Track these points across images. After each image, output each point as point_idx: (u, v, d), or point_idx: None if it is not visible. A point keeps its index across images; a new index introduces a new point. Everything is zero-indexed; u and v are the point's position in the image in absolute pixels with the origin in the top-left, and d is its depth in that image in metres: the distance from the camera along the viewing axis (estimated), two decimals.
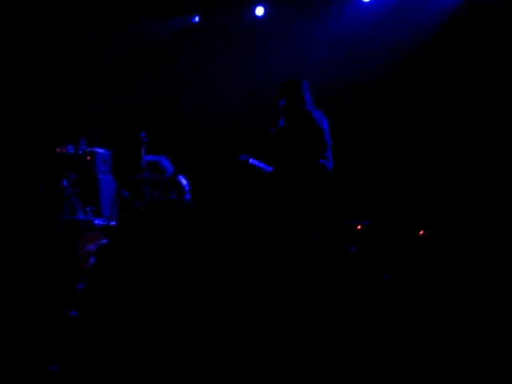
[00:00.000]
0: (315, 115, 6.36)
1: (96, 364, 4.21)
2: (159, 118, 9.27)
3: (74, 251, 7.17)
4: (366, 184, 8.51)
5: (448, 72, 8.32)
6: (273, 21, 9.22)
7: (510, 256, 6.47)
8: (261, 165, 6.91)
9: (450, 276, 6.18)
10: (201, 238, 6.28)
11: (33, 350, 4.43)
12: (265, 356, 4.15)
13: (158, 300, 5.41)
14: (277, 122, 6.83)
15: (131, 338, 4.66)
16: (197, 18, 9.81)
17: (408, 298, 5.54)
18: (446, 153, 8.31)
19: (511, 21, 7.86)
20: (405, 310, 5.13)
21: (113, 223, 7.40)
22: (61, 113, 8.98)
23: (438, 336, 4.36)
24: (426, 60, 8.45)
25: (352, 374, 3.83)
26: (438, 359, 3.95)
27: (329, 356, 4.10)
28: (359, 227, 7.73)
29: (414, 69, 8.49)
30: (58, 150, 8.17)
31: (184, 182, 7.35)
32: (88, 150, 8.22)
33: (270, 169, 6.89)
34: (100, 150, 8.32)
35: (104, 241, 6.92)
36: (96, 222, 7.62)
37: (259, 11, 9.26)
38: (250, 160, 6.80)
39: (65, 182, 7.53)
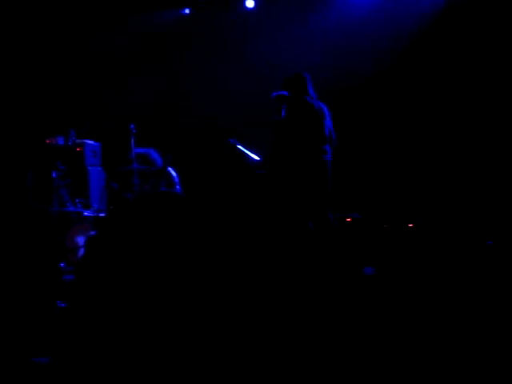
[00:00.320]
0: (316, 108, 6.38)
1: (85, 356, 4.20)
2: (149, 110, 9.25)
3: (63, 243, 7.16)
4: (357, 177, 8.54)
5: (440, 68, 8.35)
6: (263, 12, 9.23)
7: (499, 251, 6.51)
8: (248, 152, 6.95)
9: (438, 269, 6.20)
10: (192, 229, 6.27)
11: (21, 342, 4.42)
12: (259, 351, 4.15)
13: (148, 292, 5.40)
14: (279, 113, 6.86)
15: (120, 329, 4.65)
16: (187, 11, 9.79)
17: (396, 292, 5.56)
18: (435, 147, 8.35)
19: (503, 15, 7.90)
20: (392, 304, 5.14)
21: (102, 215, 7.38)
22: (50, 104, 8.95)
23: (428, 331, 4.37)
24: (419, 54, 8.48)
25: (343, 368, 3.84)
26: (427, 355, 3.96)
27: (323, 350, 4.11)
28: (349, 220, 7.75)
29: (405, 64, 8.52)
30: (47, 141, 8.14)
31: (173, 173, 7.35)
32: (78, 141, 8.19)
33: (257, 158, 6.91)
34: (89, 142, 8.29)
35: (93, 232, 6.91)
36: (85, 213, 7.60)
37: (249, 3, 9.30)
38: (238, 145, 6.83)
39: (54, 174, 7.50)
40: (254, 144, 7.08)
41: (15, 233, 6.83)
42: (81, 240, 7.12)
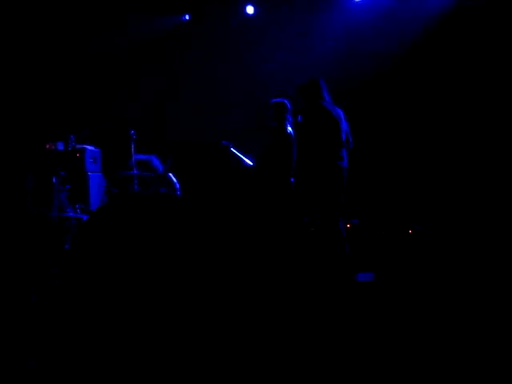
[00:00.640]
0: (333, 113, 6.38)
1: (70, 352, 4.19)
2: (148, 116, 9.27)
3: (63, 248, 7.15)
4: (356, 183, 8.54)
5: (441, 74, 8.37)
6: (263, 19, 9.27)
7: (499, 253, 6.52)
8: (241, 156, 6.96)
9: (438, 276, 6.21)
10: (188, 229, 6.22)
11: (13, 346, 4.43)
12: (252, 353, 4.15)
13: (137, 288, 5.37)
14: (275, 119, 6.88)
15: (108, 327, 4.65)
16: (187, 17, 9.81)
17: (394, 298, 5.56)
18: (435, 153, 8.36)
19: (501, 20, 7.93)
20: (391, 310, 5.15)
21: None
22: (51, 109, 8.95)
23: (427, 337, 4.38)
24: (418, 58, 8.50)
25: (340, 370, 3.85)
26: (426, 361, 3.97)
27: (319, 354, 4.11)
28: (348, 226, 7.76)
29: (402, 69, 8.54)
30: (47, 146, 8.14)
31: (174, 179, 7.37)
32: (77, 146, 8.19)
33: (250, 162, 6.92)
34: (89, 147, 8.29)
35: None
36: (85, 219, 7.60)
37: (250, 10, 9.34)
38: (231, 147, 6.84)
39: (54, 179, 7.52)
40: (253, 149, 7.08)
41: (15, 237, 6.84)
42: None
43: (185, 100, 9.36)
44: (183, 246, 5.77)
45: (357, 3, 8.79)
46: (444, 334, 4.34)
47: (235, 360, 4.02)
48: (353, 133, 6.52)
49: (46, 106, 8.97)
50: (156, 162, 7.39)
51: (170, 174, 7.35)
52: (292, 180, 6.64)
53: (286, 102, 7.04)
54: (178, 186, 7.37)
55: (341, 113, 6.44)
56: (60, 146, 8.17)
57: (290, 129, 6.95)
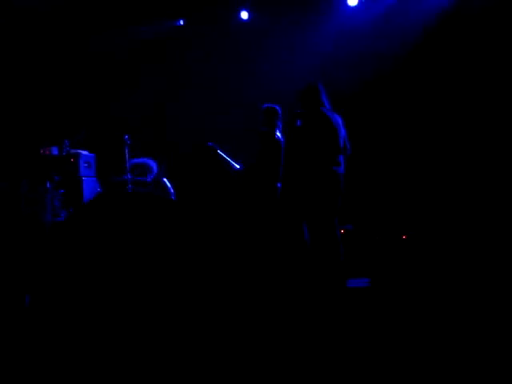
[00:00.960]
0: (333, 120, 6.38)
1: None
2: (143, 121, 9.27)
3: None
4: (350, 188, 8.55)
5: (441, 79, 8.40)
6: (258, 24, 9.28)
7: (494, 258, 6.54)
8: (228, 158, 6.96)
9: (432, 281, 6.22)
10: (183, 232, 6.21)
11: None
12: (243, 354, 4.14)
13: (126, 289, 5.36)
14: (266, 125, 6.89)
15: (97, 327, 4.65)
16: (181, 22, 9.82)
17: (389, 303, 5.57)
18: (430, 158, 8.38)
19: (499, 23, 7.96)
20: (386, 315, 5.16)
21: None
22: (45, 114, 8.95)
23: (422, 342, 4.38)
24: (414, 65, 8.53)
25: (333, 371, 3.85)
26: (421, 366, 3.97)
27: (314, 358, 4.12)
28: (342, 231, 7.77)
29: (400, 75, 8.56)
30: (41, 151, 8.14)
31: (168, 184, 7.38)
32: (72, 151, 8.19)
33: (237, 165, 6.92)
34: (84, 152, 8.29)
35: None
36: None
37: (244, 15, 9.36)
38: (218, 150, 6.84)
39: (48, 184, 7.51)
40: (253, 149, 7.07)
41: (8, 242, 6.83)
42: None
43: (184, 100, 9.36)
44: (163, 246, 5.75)
45: (357, 3, 8.82)
46: (438, 340, 4.35)
47: (225, 365, 4.02)
48: (348, 139, 6.53)
49: (40, 110, 8.97)
50: (152, 165, 7.41)
51: (165, 179, 7.35)
52: (279, 185, 6.64)
53: (277, 108, 7.06)
54: (172, 190, 7.37)
55: (339, 119, 6.46)
56: (54, 151, 8.17)
57: (279, 134, 6.97)
